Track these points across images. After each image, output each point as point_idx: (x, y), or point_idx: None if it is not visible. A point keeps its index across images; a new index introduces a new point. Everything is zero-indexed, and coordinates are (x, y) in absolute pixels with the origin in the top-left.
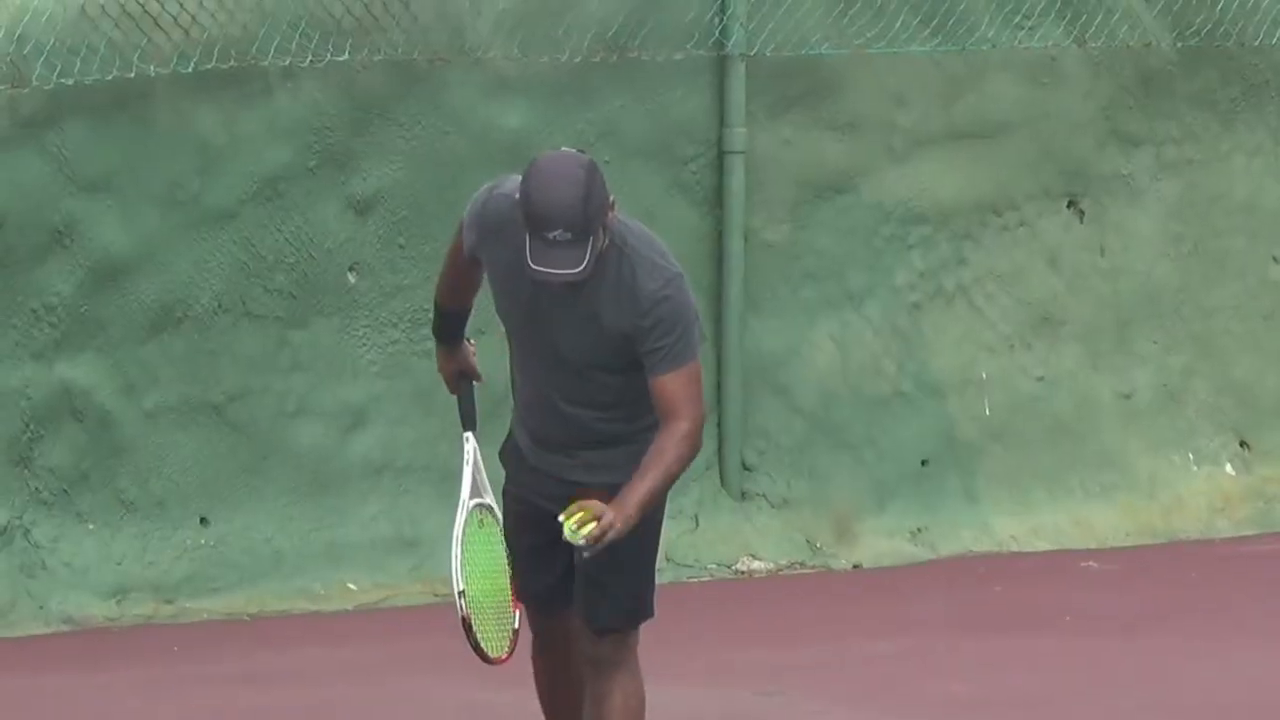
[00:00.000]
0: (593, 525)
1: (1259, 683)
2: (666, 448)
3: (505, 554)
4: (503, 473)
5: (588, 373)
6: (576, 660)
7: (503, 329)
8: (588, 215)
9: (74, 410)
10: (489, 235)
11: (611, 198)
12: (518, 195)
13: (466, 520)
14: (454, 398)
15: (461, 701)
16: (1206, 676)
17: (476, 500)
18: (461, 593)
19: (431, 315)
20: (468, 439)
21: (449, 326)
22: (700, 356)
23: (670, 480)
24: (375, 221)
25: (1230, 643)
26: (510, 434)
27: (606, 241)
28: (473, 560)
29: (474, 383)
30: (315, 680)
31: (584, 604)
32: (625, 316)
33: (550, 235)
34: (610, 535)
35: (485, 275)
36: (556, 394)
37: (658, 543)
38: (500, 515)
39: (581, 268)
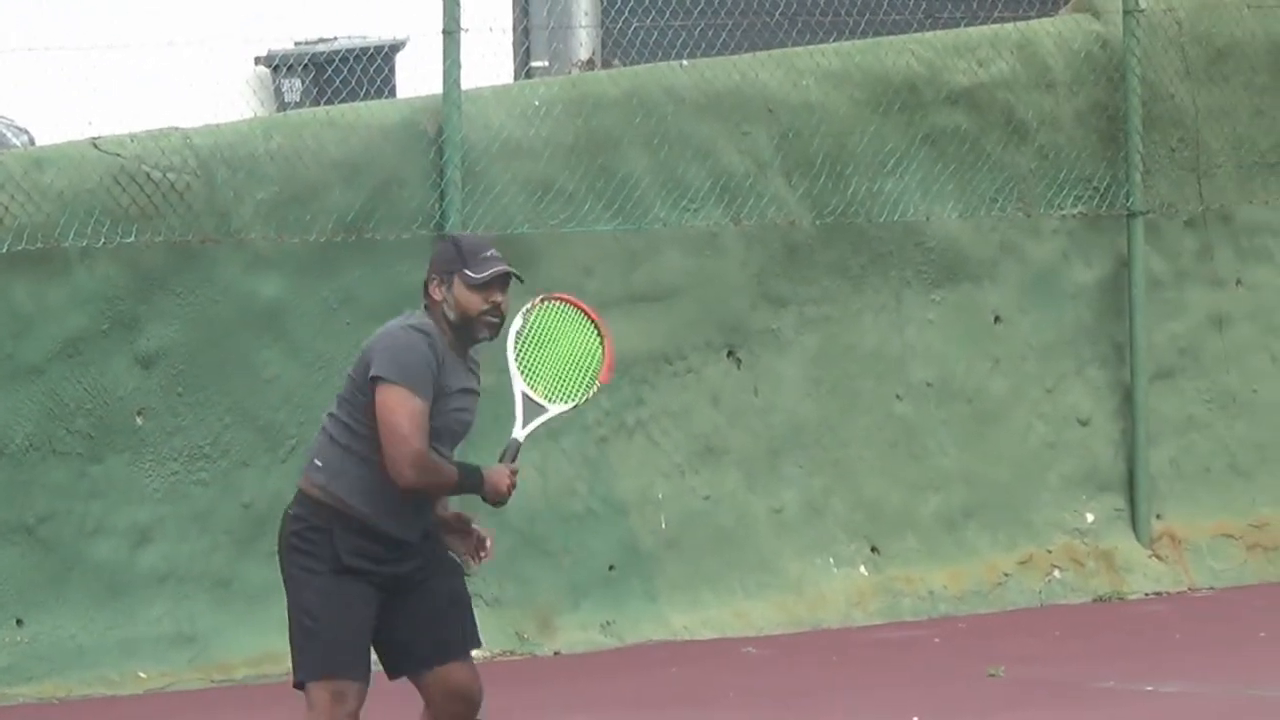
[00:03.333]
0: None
1: None
2: None
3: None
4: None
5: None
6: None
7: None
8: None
9: None
10: (437, 366)
11: None
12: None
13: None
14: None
15: None
16: None
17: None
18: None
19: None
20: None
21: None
22: None
23: None
24: (158, 374)
25: (863, 711)
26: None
27: None
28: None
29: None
30: None
31: (460, 635)
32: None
33: (486, 253)
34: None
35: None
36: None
37: None
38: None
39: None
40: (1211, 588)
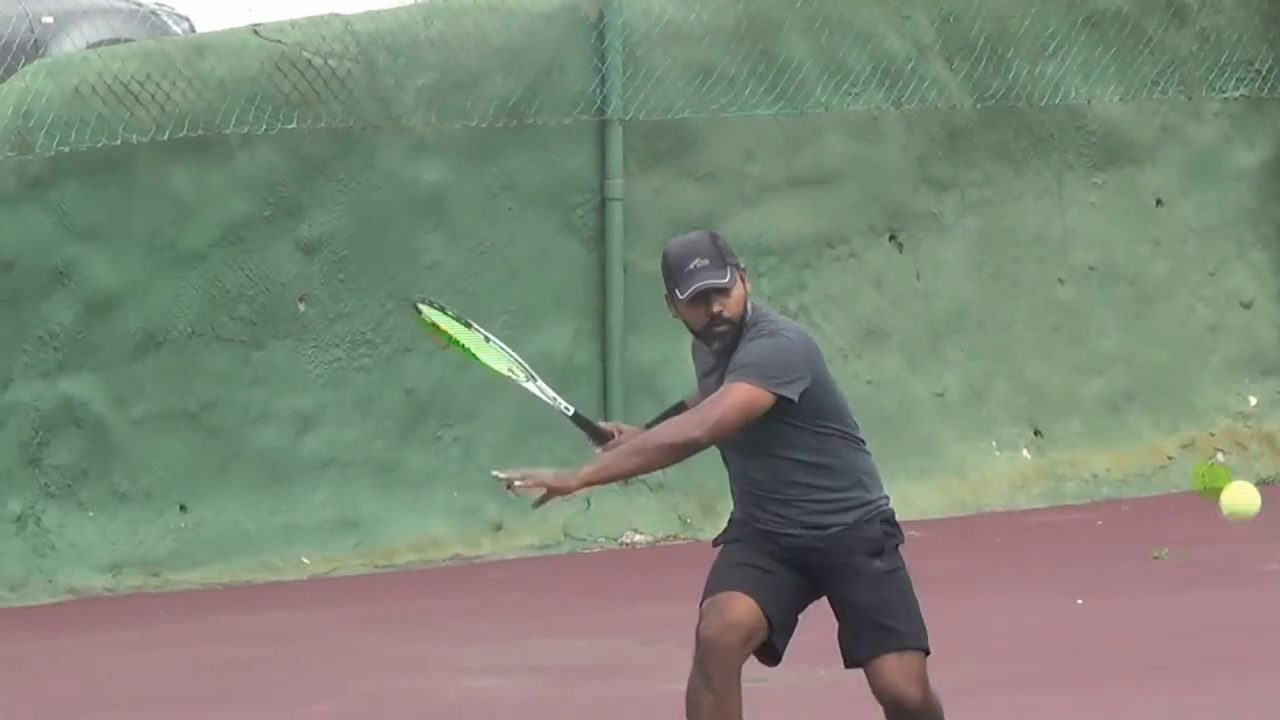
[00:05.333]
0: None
1: (1051, 624)
2: (670, 425)
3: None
4: None
5: (778, 449)
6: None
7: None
8: (717, 248)
9: (75, 419)
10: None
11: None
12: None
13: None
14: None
15: (400, 654)
16: (1009, 620)
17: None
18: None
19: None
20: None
21: None
22: (767, 392)
23: (654, 455)
24: (320, 260)
25: (1027, 594)
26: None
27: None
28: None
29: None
30: (277, 638)
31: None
32: None
33: (690, 266)
34: (536, 490)
35: None
36: (772, 486)
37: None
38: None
39: (726, 279)
40: None
